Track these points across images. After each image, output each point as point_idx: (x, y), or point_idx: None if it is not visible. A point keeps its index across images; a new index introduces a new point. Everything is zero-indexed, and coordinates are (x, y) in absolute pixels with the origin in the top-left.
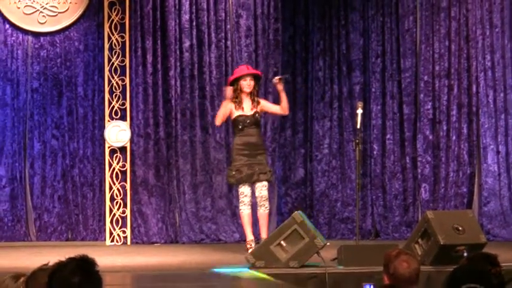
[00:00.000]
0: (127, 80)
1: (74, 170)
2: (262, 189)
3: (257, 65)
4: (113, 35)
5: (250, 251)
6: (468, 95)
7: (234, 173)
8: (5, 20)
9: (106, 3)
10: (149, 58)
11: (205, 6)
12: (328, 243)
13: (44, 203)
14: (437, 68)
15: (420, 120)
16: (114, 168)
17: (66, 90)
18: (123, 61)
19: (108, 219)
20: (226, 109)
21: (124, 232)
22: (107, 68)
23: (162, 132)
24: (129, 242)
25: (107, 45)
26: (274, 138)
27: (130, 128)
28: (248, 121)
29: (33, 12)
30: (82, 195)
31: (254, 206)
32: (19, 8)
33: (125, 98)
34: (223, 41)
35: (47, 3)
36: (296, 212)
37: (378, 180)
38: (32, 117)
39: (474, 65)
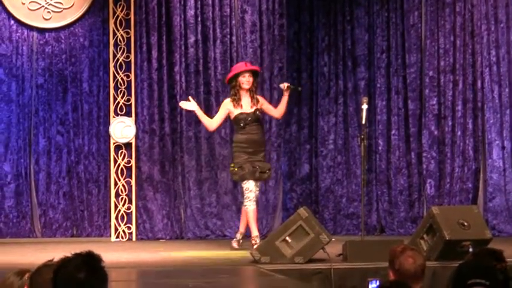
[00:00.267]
0: (132, 76)
1: (79, 166)
2: (256, 188)
3: (262, 61)
4: (118, 30)
5: (255, 246)
6: (473, 91)
7: (236, 169)
8: (10, 16)
9: None
10: (154, 54)
11: (210, 2)
12: (333, 239)
13: (49, 199)
14: (442, 63)
15: (425, 116)
16: (119, 164)
17: (71, 86)
18: (128, 57)
19: (113, 216)
20: (223, 110)
21: (129, 228)
22: (112, 64)
23: (167, 128)
24: (134, 238)
25: (112, 41)
26: (280, 133)
27: (136, 124)
28: (250, 118)
29: (38, 8)
30: (87, 191)
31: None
32: (24, 4)
33: (130, 94)
34: (229, 36)
35: (52, 0)
36: (301, 207)
37: (383, 176)
38: (37, 114)
39: (479, 61)
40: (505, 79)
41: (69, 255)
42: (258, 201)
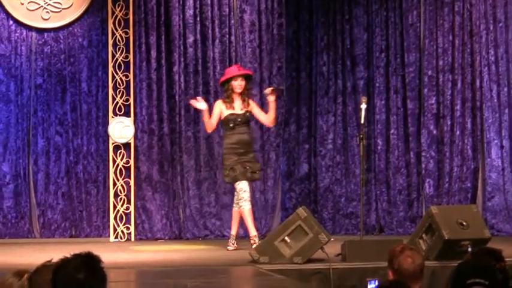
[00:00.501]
0: (131, 76)
1: (77, 167)
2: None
3: (261, 60)
4: (117, 30)
5: (254, 246)
6: (472, 90)
7: (228, 172)
8: (9, 16)
9: None
10: (153, 54)
11: (209, 2)
12: (332, 239)
13: (47, 199)
14: (441, 62)
15: (424, 115)
16: (118, 165)
17: (70, 86)
18: (127, 57)
19: (112, 216)
20: (217, 109)
21: (128, 228)
22: (110, 64)
23: (166, 128)
24: (133, 238)
25: (110, 41)
26: (279, 133)
27: (134, 124)
28: (239, 119)
29: (37, 8)
30: (86, 191)
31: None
32: (23, 4)
33: (128, 94)
34: (227, 36)
35: (50, 0)
36: (300, 207)
37: (382, 176)
38: (35, 114)
39: (478, 60)
40: (503, 78)
41: (68, 255)
42: (252, 201)
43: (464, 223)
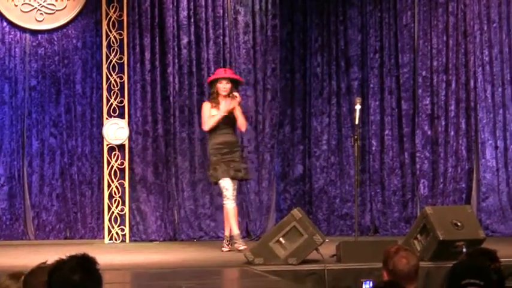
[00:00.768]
0: (125, 78)
1: (72, 168)
2: (235, 187)
3: (255, 62)
4: (111, 32)
5: (237, 245)
6: (466, 90)
7: (211, 172)
8: (3, 18)
9: (104, 1)
10: (147, 55)
11: (203, 3)
12: (327, 240)
13: (42, 201)
14: (435, 63)
15: (418, 116)
16: (112, 166)
17: (64, 88)
18: (121, 58)
19: (106, 217)
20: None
21: (123, 230)
22: (105, 66)
23: (160, 129)
24: (127, 240)
25: (105, 43)
26: (273, 134)
27: (129, 125)
28: (222, 121)
29: (30, 10)
30: (80, 193)
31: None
32: (17, 5)
33: (123, 96)
34: (221, 37)
35: (44, 1)
36: (295, 208)
37: (377, 176)
38: (30, 116)
39: (472, 60)
40: (497, 79)
41: (63, 257)
42: (236, 200)
43: (459, 224)
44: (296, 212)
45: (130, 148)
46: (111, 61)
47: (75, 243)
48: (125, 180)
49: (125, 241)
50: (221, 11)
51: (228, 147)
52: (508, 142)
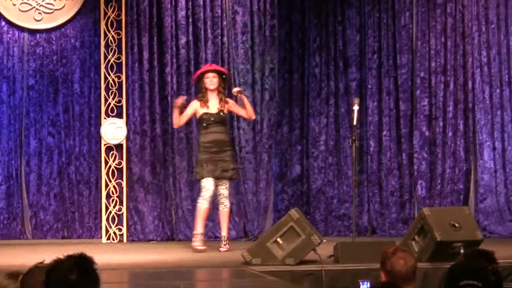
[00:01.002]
0: (123, 77)
1: (70, 168)
2: (222, 187)
3: (253, 62)
4: (109, 31)
5: (195, 243)
6: (464, 91)
7: (198, 169)
8: (1, 17)
9: (102, 0)
10: (145, 55)
11: (201, 3)
12: (324, 240)
13: (40, 200)
14: (433, 64)
15: (416, 117)
16: (110, 166)
17: (62, 88)
18: (119, 58)
19: (104, 217)
20: (190, 109)
21: (120, 230)
22: (103, 65)
23: (158, 129)
24: (125, 240)
25: (103, 42)
26: (271, 134)
27: (127, 125)
28: (212, 119)
29: (29, 9)
30: (78, 192)
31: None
32: (15, 5)
33: (121, 95)
34: (220, 37)
35: (43, 1)
36: (292, 209)
37: (375, 177)
38: (28, 115)
39: (470, 61)
40: (496, 80)
41: (61, 256)
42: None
43: (457, 225)
44: (294, 213)
45: (128, 148)
46: (109, 61)
47: (73, 243)
48: (122, 179)
49: (122, 241)
50: (219, 11)
51: (217, 146)
52: (506, 143)
